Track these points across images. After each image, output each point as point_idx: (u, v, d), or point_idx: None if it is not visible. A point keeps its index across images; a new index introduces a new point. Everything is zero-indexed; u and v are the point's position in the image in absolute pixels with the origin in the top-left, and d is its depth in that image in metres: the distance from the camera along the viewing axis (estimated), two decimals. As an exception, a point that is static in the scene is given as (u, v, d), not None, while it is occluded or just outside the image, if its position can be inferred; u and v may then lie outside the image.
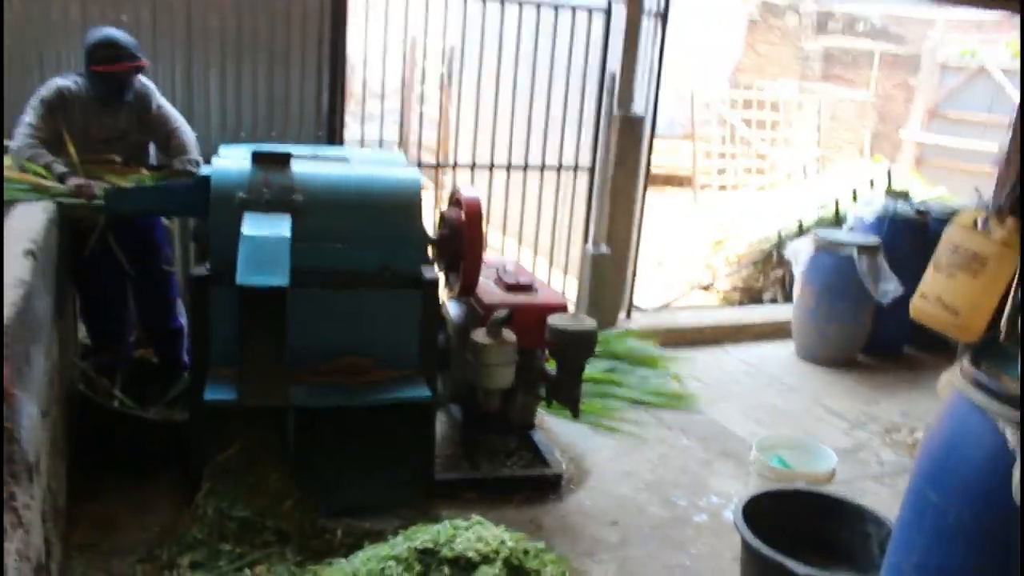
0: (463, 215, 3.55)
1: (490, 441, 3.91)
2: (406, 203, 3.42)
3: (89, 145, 3.53)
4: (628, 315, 5.60)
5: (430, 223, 3.70)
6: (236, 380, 3.07)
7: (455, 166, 6.24)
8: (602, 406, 4.43)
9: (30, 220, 2.91)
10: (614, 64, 5.10)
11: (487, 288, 3.76)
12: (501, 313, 3.47)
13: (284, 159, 3.35)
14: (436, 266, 3.71)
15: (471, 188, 3.73)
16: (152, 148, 3.83)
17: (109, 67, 3.43)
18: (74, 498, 3.20)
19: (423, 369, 3.43)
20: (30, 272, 2.43)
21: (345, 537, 3.14)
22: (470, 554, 2.31)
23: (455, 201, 3.67)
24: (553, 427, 4.22)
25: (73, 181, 3.36)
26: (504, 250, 5.79)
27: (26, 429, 2.22)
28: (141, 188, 3.44)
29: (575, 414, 3.69)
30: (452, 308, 3.90)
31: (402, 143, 7.10)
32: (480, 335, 3.51)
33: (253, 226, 3.08)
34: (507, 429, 3.91)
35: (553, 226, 5.49)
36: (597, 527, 3.44)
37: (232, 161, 3.38)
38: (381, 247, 3.38)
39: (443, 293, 3.83)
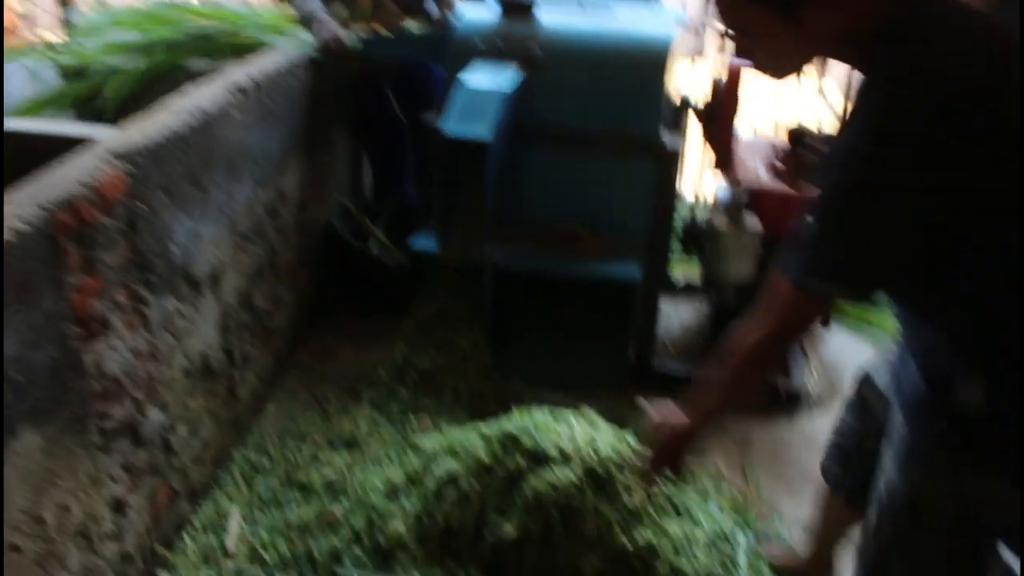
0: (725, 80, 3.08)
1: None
2: (649, 62, 3.02)
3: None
4: None
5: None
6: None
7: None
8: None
9: (266, 61, 3.05)
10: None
11: (750, 169, 3.25)
12: (739, 196, 2.98)
13: (527, 9, 3.13)
14: (704, 139, 3.31)
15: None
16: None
17: None
18: (307, 323, 3.48)
19: (648, 247, 3.09)
20: (219, 105, 2.56)
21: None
22: (551, 451, 2.06)
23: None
24: (830, 339, 3.60)
25: (321, 32, 3.38)
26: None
27: (180, 244, 2.39)
28: (394, 37, 3.46)
29: (823, 322, 3.12)
30: (720, 189, 3.46)
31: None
32: (718, 219, 3.06)
33: (473, 75, 2.94)
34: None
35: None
36: (815, 460, 2.89)
37: (483, 11, 3.24)
38: (618, 109, 3.05)
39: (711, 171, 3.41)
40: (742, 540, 2.30)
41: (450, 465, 2.17)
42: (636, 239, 3.10)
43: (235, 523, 2.58)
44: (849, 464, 1.97)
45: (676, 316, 3.68)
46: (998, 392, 1.30)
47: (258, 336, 3.00)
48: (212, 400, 2.69)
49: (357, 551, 2.23)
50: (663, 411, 1.83)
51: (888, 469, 1.50)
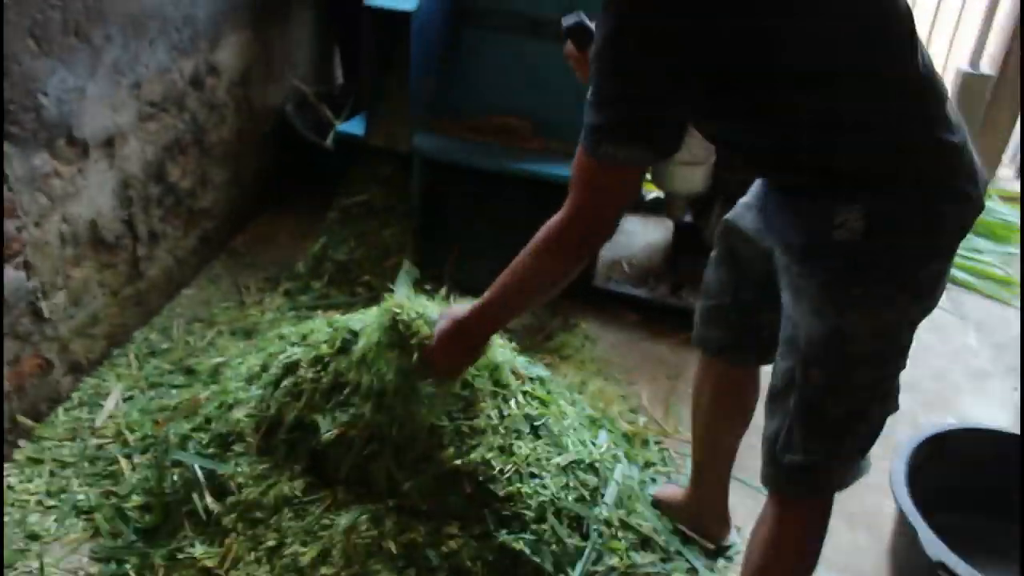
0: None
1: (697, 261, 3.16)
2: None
3: None
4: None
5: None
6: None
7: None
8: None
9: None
10: None
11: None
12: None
13: None
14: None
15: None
16: None
17: None
18: (249, 209, 3.32)
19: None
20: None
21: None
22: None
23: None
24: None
25: None
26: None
27: (54, 98, 2.22)
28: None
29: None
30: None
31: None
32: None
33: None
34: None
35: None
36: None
37: None
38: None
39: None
40: (619, 473, 2.06)
41: (294, 354, 2.00)
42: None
43: (112, 401, 2.46)
44: (728, 321, 1.79)
45: (643, 234, 3.38)
46: (874, 213, 1.31)
47: (175, 214, 2.85)
48: (106, 273, 2.57)
49: (204, 437, 2.08)
50: (451, 309, 1.73)
51: (800, 317, 1.45)
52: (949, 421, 2.59)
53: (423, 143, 2.76)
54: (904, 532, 2.04)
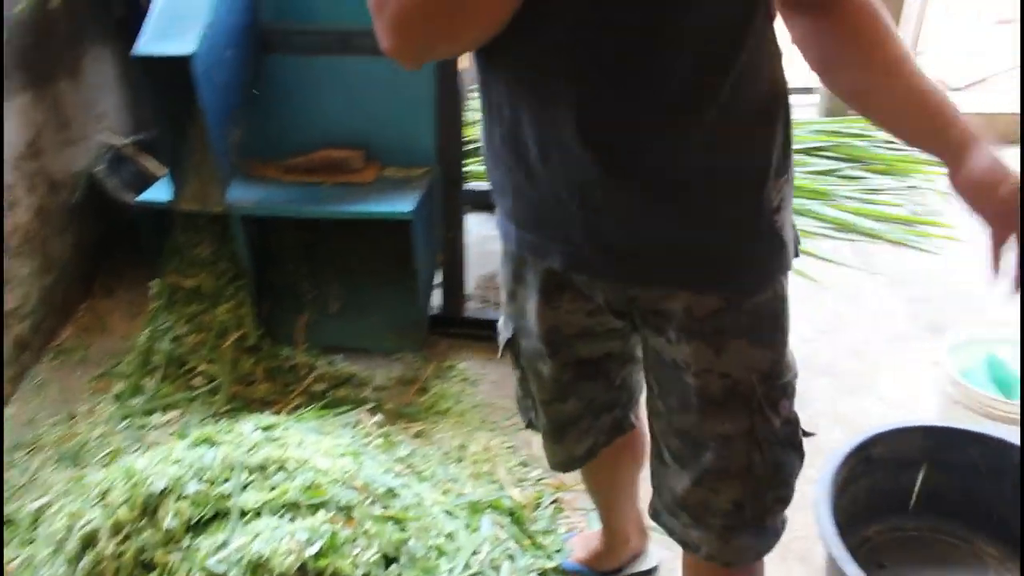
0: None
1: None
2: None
3: None
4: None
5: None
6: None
7: None
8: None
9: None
10: None
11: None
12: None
13: None
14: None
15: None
16: None
17: None
18: (79, 292, 2.93)
19: (440, 169, 2.47)
20: None
21: (316, 383, 2.49)
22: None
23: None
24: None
25: None
26: None
27: None
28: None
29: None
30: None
31: None
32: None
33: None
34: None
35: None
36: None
37: None
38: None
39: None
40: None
41: (93, 518, 1.65)
42: (422, 161, 2.49)
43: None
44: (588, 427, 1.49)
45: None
46: None
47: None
48: None
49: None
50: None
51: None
52: (870, 410, 2.34)
53: (240, 197, 2.38)
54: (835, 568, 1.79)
